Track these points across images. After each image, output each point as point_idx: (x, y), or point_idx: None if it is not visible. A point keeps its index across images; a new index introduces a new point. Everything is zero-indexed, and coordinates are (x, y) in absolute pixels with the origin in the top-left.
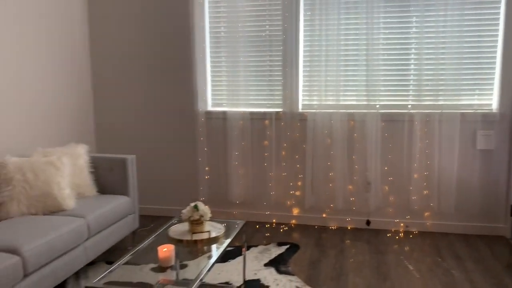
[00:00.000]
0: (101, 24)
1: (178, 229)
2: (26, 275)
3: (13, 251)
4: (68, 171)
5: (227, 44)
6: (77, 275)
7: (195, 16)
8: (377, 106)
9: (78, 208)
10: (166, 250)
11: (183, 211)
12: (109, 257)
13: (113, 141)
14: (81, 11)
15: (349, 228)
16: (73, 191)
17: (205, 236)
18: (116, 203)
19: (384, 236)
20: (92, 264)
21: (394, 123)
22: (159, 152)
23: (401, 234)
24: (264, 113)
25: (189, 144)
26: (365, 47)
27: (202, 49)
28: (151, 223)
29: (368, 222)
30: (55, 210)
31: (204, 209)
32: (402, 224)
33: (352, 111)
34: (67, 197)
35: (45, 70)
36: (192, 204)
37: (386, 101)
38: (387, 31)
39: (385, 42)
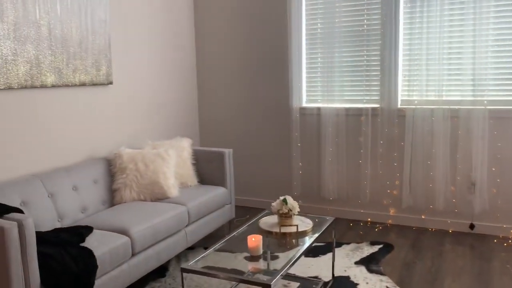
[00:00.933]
0: (205, 27)
1: (269, 221)
2: (133, 254)
3: (124, 232)
4: (174, 162)
5: (323, 40)
6: (178, 258)
7: (292, 14)
8: (485, 102)
9: (181, 196)
10: (254, 240)
11: (273, 204)
12: (207, 243)
13: (214, 135)
14: (187, 16)
15: (450, 231)
16: (177, 180)
17: (293, 229)
18: (214, 193)
19: (490, 242)
20: (191, 248)
21: (504, 120)
22: (255, 146)
23: (510, 241)
24: (360, 109)
25: (284, 139)
26: (472, 38)
27: (298, 46)
28: (247, 213)
29: (472, 226)
30: (161, 197)
31: (293, 203)
32: (511, 231)
33: (456, 107)
34: (172, 186)
35: (158, 70)
36: (281, 198)
37: (495, 96)
38: (498, 20)
39: (495, 32)
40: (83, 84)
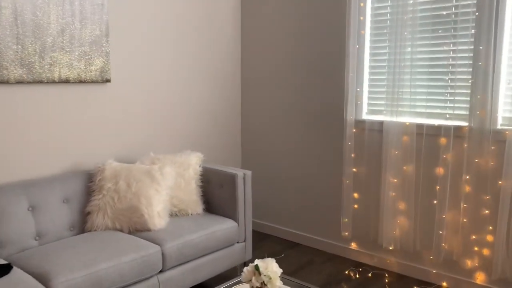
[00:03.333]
0: (251, 28)
1: None
2: None
3: (44, 281)
4: (168, 184)
5: (392, 30)
6: None
7: None
8: None
9: (165, 230)
10: None
11: (244, 270)
12: None
13: (256, 150)
14: (232, 17)
15: None
16: (175, 207)
17: None
18: (218, 227)
19: None
20: None
21: None
22: (298, 167)
23: None
24: (439, 127)
25: (335, 161)
26: None
27: (358, 37)
28: (282, 250)
29: None
30: (140, 228)
31: (271, 272)
32: None
33: None
34: (156, 215)
35: (179, 68)
36: (253, 264)
37: None
38: None
39: None
40: (64, 81)
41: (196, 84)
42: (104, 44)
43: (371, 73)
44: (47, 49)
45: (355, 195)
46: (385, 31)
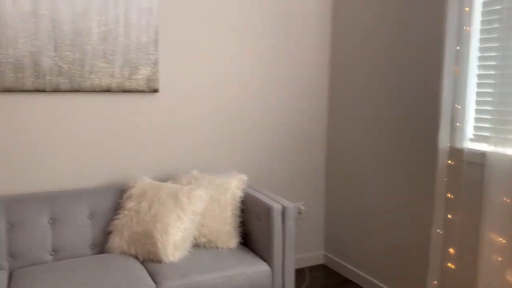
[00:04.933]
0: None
1: None
2: None
3: None
4: (198, 209)
5: (506, 24)
6: None
7: None
8: None
9: (175, 265)
10: None
11: None
12: None
13: (341, 173)
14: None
15: None
16: (203, 237)
17: None
18: (239, 271)
19: None
20: None
21: None
22: (380, 201)
23: None
24: None
25: (423, 202)
26: None
27: (460, 36)
28: None
29: None
30: (153, 257)
31: None
32: None
33: None
34: (171, 245)
35: (264, 81)
36: None
37: None
38: None
39: None
40: (106, 90)
41: (264, 94)
42: (152, 52)
43: (478, 85)
44: (87, 57)
45: (451, 250)
46: (496, 25)
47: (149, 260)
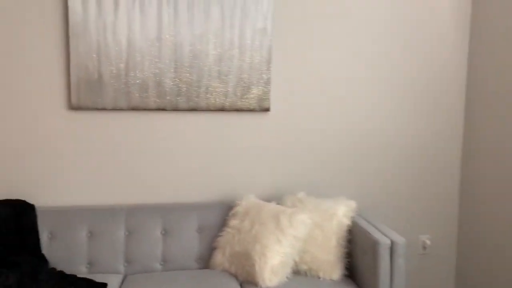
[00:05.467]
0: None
1: None
2: None
3: None
4: (300, 235)
5: None
6: None
7: None
8: None
9: None
10: None
11: None
12: None
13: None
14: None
15: None
16: (305, 264)
17: None
18: None
19: None
20: None
21: None
22: None
23: None
24: None
25: None
26: None
27: None
28: None
29: None
30: (250, 279)
31: None
32: None
33: None
34: (268, 270)
35: (386, 100)
36: None
37: None
38: None
39: None
40: (220, 109)
41: (383, 115)
42: (264, 71)
43: None
44: (203, 78)
45: None
46: None
47: (247, 282)
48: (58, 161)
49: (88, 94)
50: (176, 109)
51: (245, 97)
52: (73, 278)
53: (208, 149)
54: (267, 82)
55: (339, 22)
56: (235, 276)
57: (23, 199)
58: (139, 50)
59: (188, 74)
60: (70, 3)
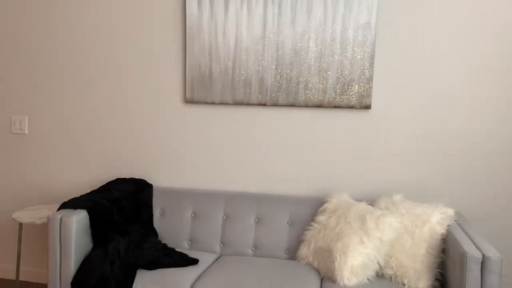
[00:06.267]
0: None
1: None
2: None
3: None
4: (386, 238)
5: None
6: None
7: None
8: None
9: None
10: None
11: None
12: None
13: None
14: None
15: None
16: (390, 269)
17: None
18: None
19: None
20: None
21: None
22: None
23: None
24: None
25: None
26: None
27: None
28: None
29: None
30: (330, 276)
31: None
32: None
33: None
34: (348, 269)
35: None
36: None
37: None
38: None
39: None
40: (318, 106)
41: (501, 120)
42: (367, 68)
43: None
44: (303, 75)
45: None
46: None
47: (328, 278)
48: (173, 148)
49: (199, 90)
50: (275, 104)
51: (345, 93)
52: (171, 251)
53: (305, 144)
54: (369, 79)
55: (449, 16)
56: (317, 270)
57: (143, 178)
58: (245, 49)
59: (288, 71)
60: (187, 8)
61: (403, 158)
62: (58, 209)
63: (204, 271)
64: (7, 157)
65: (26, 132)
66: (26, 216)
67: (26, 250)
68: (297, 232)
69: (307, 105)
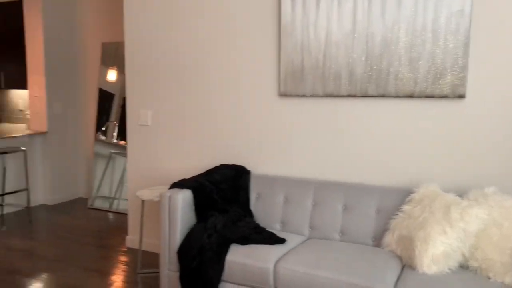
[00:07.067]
0: None
1: None
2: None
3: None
4: (471, 229)
5: None
6: None
7: None
8: None
9: (426, 279)
10: None
11: None
12: None
13: None
14: None
15: None
16: (475, 261)
17: None
18: None
19: None
20: None
21: None
22: None
23: None
24: None
25: None
26: None
27: None
28: None
29: None
30: (411, 263)
31: None
32: None
33: None
34: (428, 257)
35: None
36: None
37: None
38: None
39: None
40: (409, 96)
41: None
42: (460, 56)
43: None
44: (393, 65)
45: None
46: None
47: (409, 265)
48: (269, 138)
49: (292, 84)
50: (365, 95)
51: (437, 83)
52: (262, 230)
53: (394, 135)
54: (463, 68)
55: None
56: (399, 257)
57: (243, 165)
58: (335, 43)
59: (378, 62)
60: (282, 8)
61: (498, 150)
62: (169, 188)
63: (290, 250)
64: (135, 145)
65: (149, 123)
66: (147, 194)
67: (148, 224)
68: (384, 221)
69: (397, 96)
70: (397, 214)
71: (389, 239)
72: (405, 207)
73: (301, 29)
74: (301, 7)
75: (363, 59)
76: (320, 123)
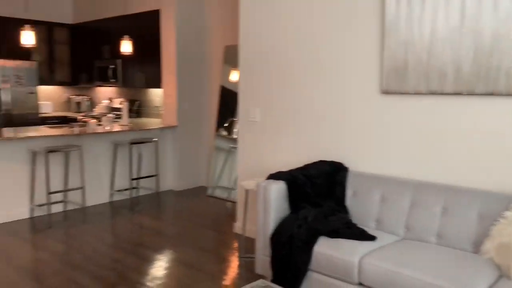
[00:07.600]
0: None
1: None
2: (360, 284)
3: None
4: None
5: None
6: None
7: None
8: None
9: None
10: None
11: None
12: None
13: None
14: None
15: None
16: None
17: None
18: None
19: None
20: None
21: None
22: None
23: None
24: None
25: None
26: None
27: None
28: None
29: None
30: (508, 272)
31: None
32: None
33: None
34: None
35: None
36: None
37: None
38: None
39: None
40: (489, 94)
41: None
42: None
43: None
44: (504, 61)
45: None
46: None
47: (507, 276)
48: (369, 136)
49: (394, 81)
50: (472, 93)
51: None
52: (352, 225)
53: (504, 135)
54: None
55: None
56: (498, 266)
57: (341, 162)
58: (441, 39)
59: (488, 58)
60: (386, 6)
61: None
62: (266, 179)
63: (380, 247)
64: (245, 139)
65: (257, 120)
66: (250, 184)
67: (251, 212)
68: (486, 227)
69: (509, 94)
70: (499, 220)
71: (489, 246)
72: (508, 213)
73: (405, 26)
74: (405, 5)
75: (470, 55)
76: (422, 121)
